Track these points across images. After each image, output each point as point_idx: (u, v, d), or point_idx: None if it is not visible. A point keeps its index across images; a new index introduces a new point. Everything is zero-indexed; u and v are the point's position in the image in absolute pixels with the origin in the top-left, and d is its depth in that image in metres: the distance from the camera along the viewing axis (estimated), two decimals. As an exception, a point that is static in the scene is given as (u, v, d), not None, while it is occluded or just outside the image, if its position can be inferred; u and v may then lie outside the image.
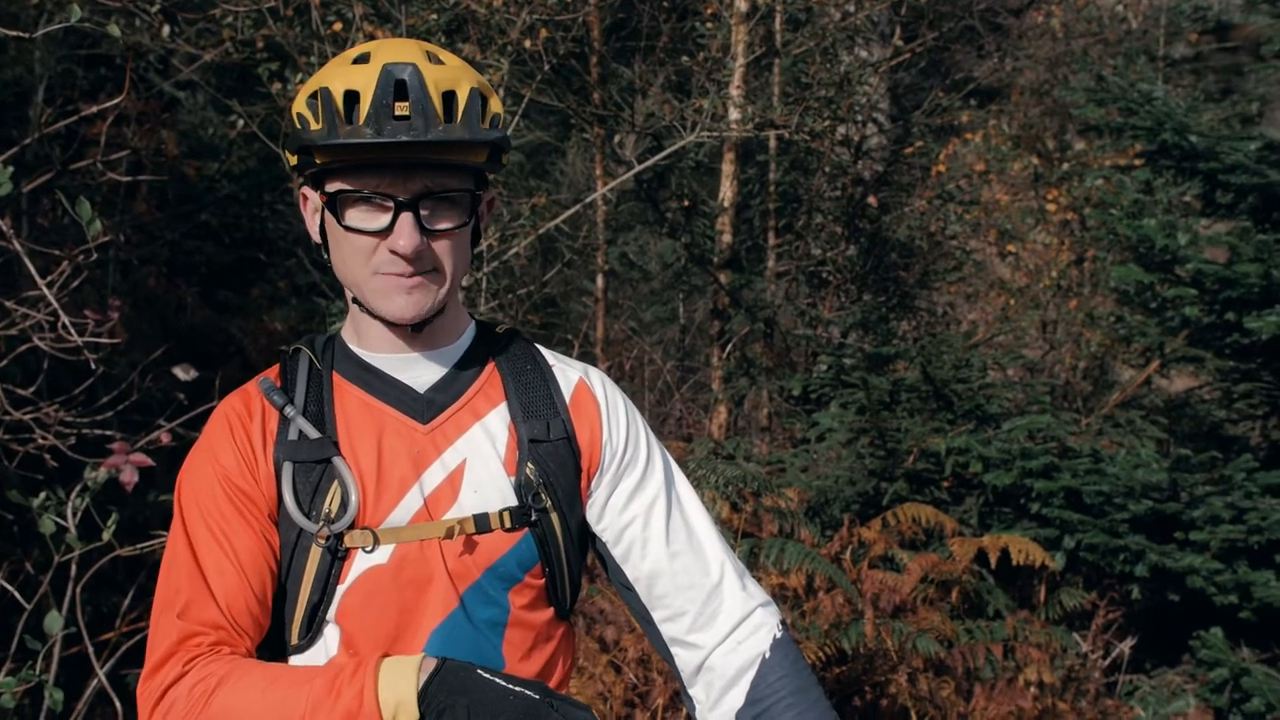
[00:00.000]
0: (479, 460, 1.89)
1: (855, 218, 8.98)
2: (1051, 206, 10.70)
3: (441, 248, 1.83)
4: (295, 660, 1.87)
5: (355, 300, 1.90)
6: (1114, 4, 12.05)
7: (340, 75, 1.78)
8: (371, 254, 1.81)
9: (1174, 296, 6.67)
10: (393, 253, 1.79)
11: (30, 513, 3.54)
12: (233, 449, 1.85)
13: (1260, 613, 6.01)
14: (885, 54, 9.33)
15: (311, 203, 1.90)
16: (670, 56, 8.85)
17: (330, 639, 1.85)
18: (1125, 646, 6.33)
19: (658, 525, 1.98)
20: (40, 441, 4.20)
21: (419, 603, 1.84)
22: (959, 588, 5.86)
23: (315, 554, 1.82)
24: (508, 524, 1.87)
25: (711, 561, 1.99)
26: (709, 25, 8.11)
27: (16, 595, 3.74)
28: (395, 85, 1.75)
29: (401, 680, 1.66)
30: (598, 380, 2.04)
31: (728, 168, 8.23)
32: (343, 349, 1.96)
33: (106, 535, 3.50)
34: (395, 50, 1.80)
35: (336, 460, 1.83)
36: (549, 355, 2.04)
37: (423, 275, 1.82)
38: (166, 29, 5.86)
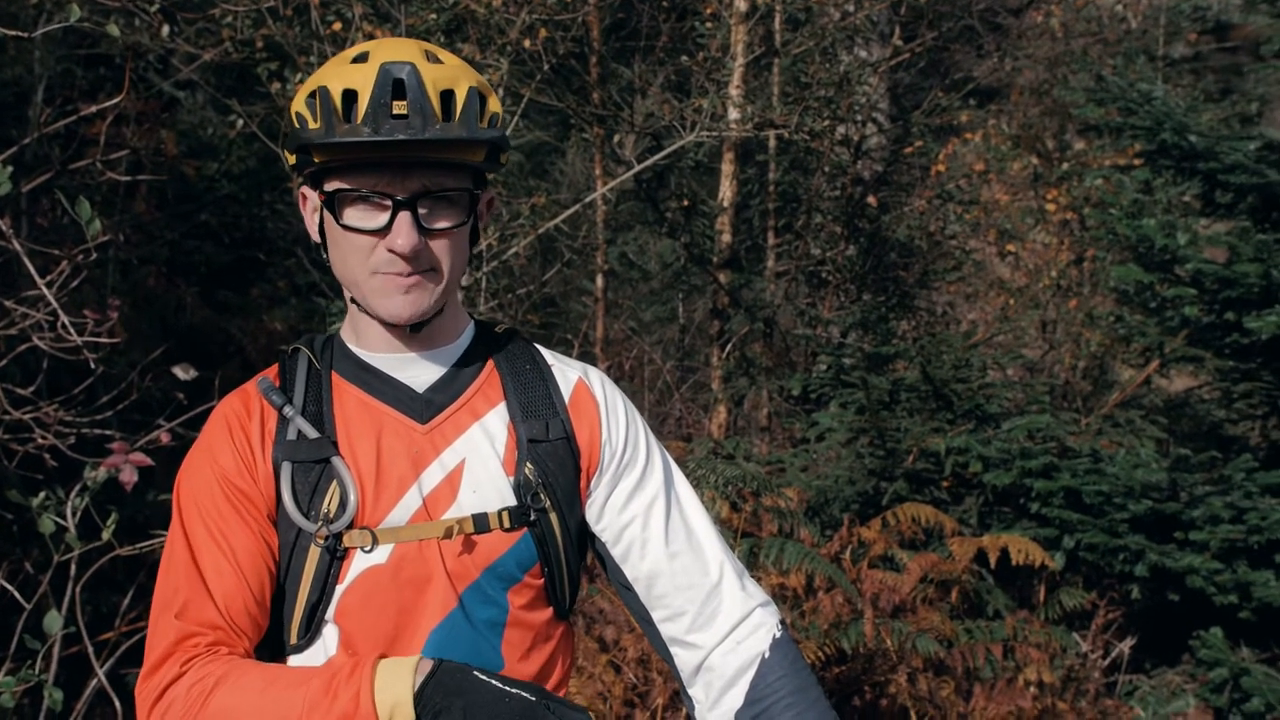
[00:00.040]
0: (478, 460, 1.89)
1: (855, 217, 8.98)
2: (1051, 206, 10.70)
3: (440, 247, 1.83)
4: (294, 660, 1.87)
5: (354, 300, 1.90)
6: (1113, 4, 12.05)
7: (339, 74, 1.78)
8: (370, 253, 1.81)
9: (1173, 296, 6.68)
10: (391, 252, 1.79)
11: (30, 512, 3.54)
12: (231, 449, 1.85)
13: (1260, 612, 6.01)
14: (885, 54, 9.33)
15: (310, 202, 1.90)
16: (670, 56, 8.85)
17: (329, 639, 1.85)
18: (1125, 646, 6.33)
19: (657, 525, 1.98)
20: (40, 441, 4.20)
21: (418, 603, 1.84)
22: (959, 587, 5.86)
23: (314, 554, 1.82)
24: (506, 524, 1.87)
25: (711, 561, 1.98)
26: (708, 25, 8.11)
27: (16, 595, 3.74)
28: (393, 84, 1.75)
29: (398, 682, 1.66)
30: (597, 380, 2.04)
31: (727, 167, 8.23)
32: (341, 349, 1.96)
33: (106, 535, 3.50)
34: (394, 49, 1.80)
35: (335, 460, 1.83)
36: (548, 355, 2.04)
37: (420, 275, 1.82)
38: (166, 29, 5.86)
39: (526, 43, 6.61)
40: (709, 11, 8.21)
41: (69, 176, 6.43)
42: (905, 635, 5.09)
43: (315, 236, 1.91)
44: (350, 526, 1.82)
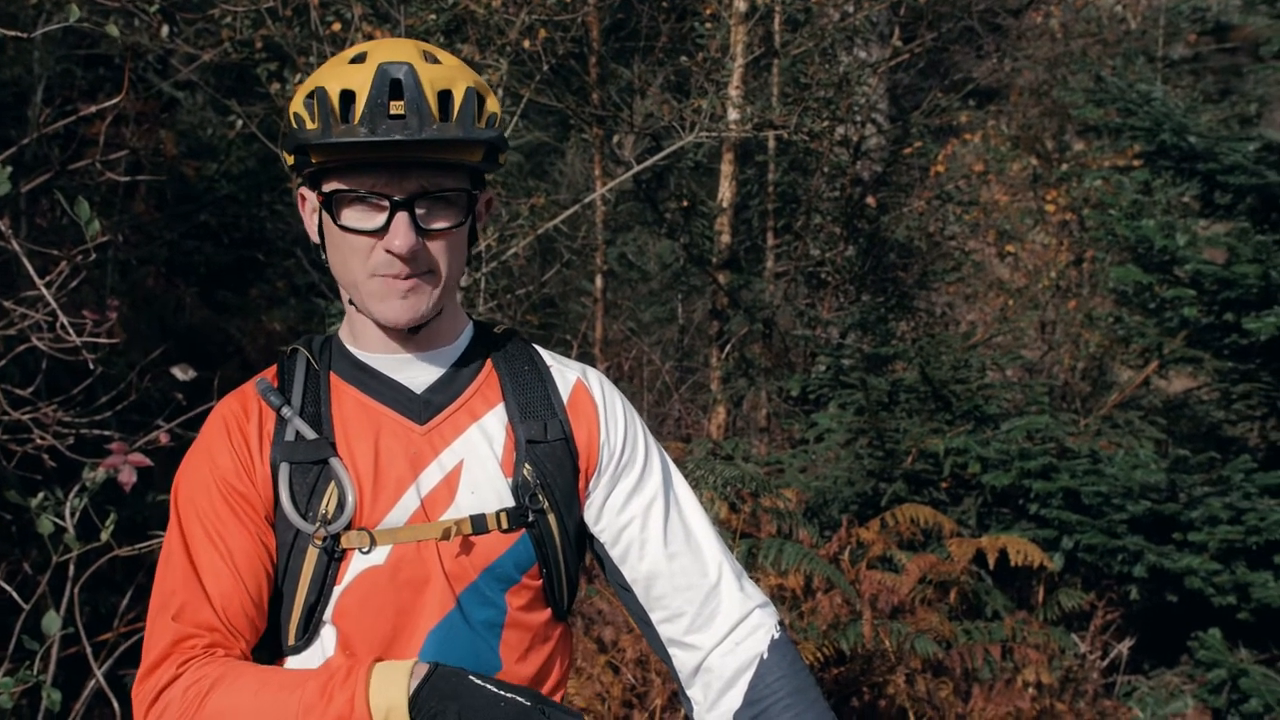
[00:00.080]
0: (476, 461, 1.89)
1: (854, 218, 8.98)
2: (1050, 207, 10.70)
3: (437, 248, 1.82)
4: (292, 661, 1.87)
5: (351, 301, 1.90)
6: (1113, 4, 12.05)
7: (337, 75, 1.78)
8: (368, 254, 1.81)
9: (1172, 297, 6.67)
10: (389, 252, 1.79)
11: (28, 513, 3.53)
12: (229, 450, 1.85)
13: (1258, 613, 6.01)
14: (884, 54, 9.33)
15: (309, 203, 1.90)
16: (669, 57, 8.85)
17: (327, 640, 1.85)
18: (1123, 647, 6.33)
19: (655, 526, 1.98)
20: (39, 441, 4.20)
21: (416, 604, 1.84)
22: (957, 588, 5.86)
23: (312, 555, 1.82)
24: (505, 525, 1.87)
25: (709, 562, 1.98)
26: (708, 25, 8.11)
27: (15, 595, 3.74)
28: (390, 84, 1.75)
29: (393, 685, 1.66)
30: (595, 381, 2.04)
31: (726, 168, 8.23)
32: (339, 349, 1.96)
33: (105, 535, 3.50)
34: (391, 50, 1.80)
35: (333, 461, 1.83)
36: (547, 356, 2.04)
37: (418, 277, 1.82)
38: (165, 29, 5.86)
39: (526, 43, 6.61)
40: (708, 12, 8.21)
41: (68, 177, 6.43)
42: (904, 636, 5.09)
43: (314, 237, 1.91)
44: (348, 527, 1.82)
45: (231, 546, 1.81)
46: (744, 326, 8.59)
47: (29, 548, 5.31)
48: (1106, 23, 11.97)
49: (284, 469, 1.83)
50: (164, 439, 4.02)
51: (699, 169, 9.40)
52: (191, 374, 4.17)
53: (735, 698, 1.93)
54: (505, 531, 1.87)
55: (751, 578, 2.05)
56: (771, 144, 8.57)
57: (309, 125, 1.78)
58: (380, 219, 1.78)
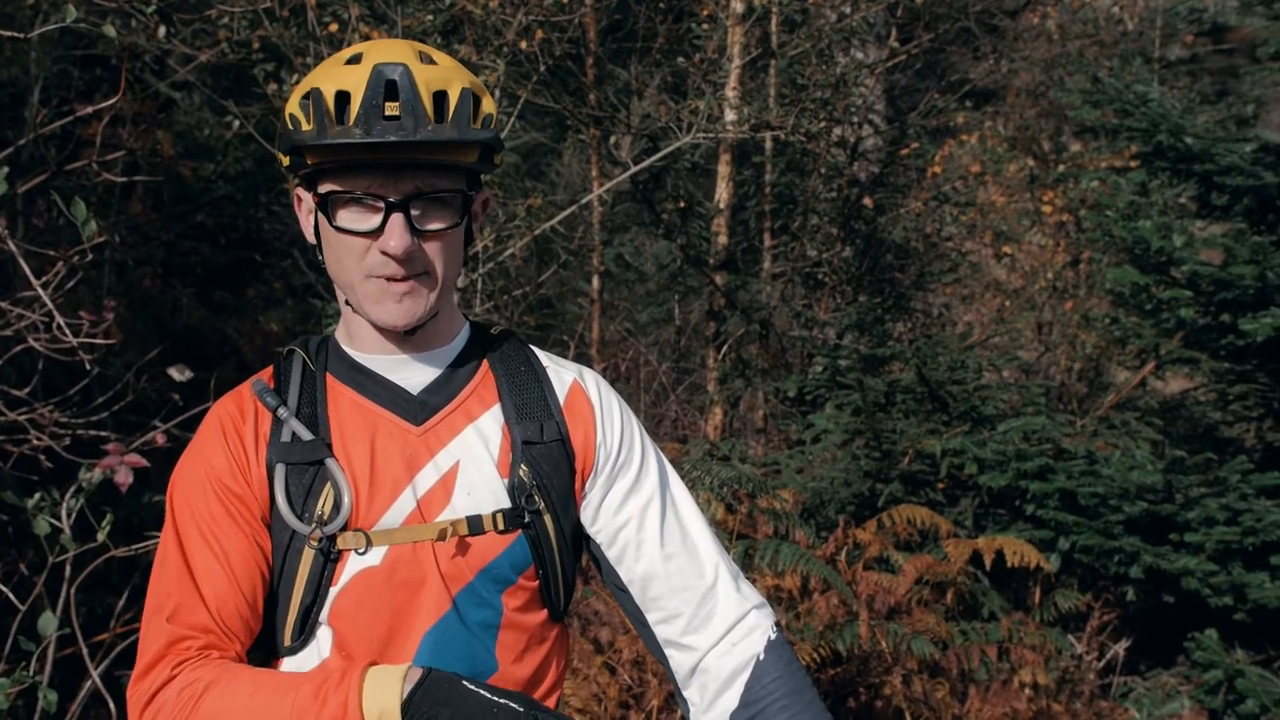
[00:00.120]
0: (472, 462, 1.89)
1: (851, 219, 8.99)
2: (1047, 208, 10.70)
3: (433, 249, 1.82)
4: (288, 662, 1.87)
5: (348, 302, 1.90)
6: (1110, 5, 12.06)
7: (332, 76, 1.78)
8: (364, 255, 1.81)
9: (1169, 298, 6.68)
10: (384, 254, 1.79)
11: (25, 514, 3.53)
12: (225, 451, 1.85)
13: (1255, 614, 6.01)
14: (881, 55, 9.34)
15: (305, 204, 1.89)
16: (666, 58, 8.85)
17: (323, 641, 1.85)
18: (1120, 648, 6.33)
19: (652, 527, 1.98)
20: (35, 442, 4.19)
21: (412, 605, 1.84)
22: (954, 589, 5.86)
23: (308, 556, 1.82)
24: (501, 526, 1.87)
25: (706, 563, 1.98)
26: (705, 26, 8.12)
27: (11, 596, 3.74)
28: (386, 85, 1.75)
29: (386, 690, 1.66)
30: (592, 382, 2.04)
31: (723, 169, 8.23)
32: (336, 350, 1.96)
33: (101, 536, 3.50)
34: (387, 51, 1.80)
35: (329, 462, 1.83)
36: (543, 357, 2.04)
37: (414, 279, 1.82)
38: (162, 30, 5.85)
39: (523, 44, 6.60)
40: (705, 13, 8.21)
41: (65, 177, 6.43)
42: (900, 637, 5.09)
43: (311, 238, 1.91)
44: (344, 528, 1.82)
45: (227, 548, 1.81)
46: (741, 327, 8.59)
47: (25, 548, 5.31)
48: (1103, 24, 11.97)
49: (280, 470, 1.83)
50: (160, 440, 4.02)
51: (696, 170, 9.40)
52: (188, 375, 4.16)
53: (732, 698, 1.93)
54: (501, 532, 1.87)
55: (748, 579, 2.05)
56: (769, 145, 8.57)
57: (304, 126, 1.78)
58: (375, 220, 1.78)
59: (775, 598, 5.26)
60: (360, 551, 1.82)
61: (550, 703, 1.98)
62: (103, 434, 4.09)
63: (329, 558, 1.82)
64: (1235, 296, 6.37)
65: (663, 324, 10.66)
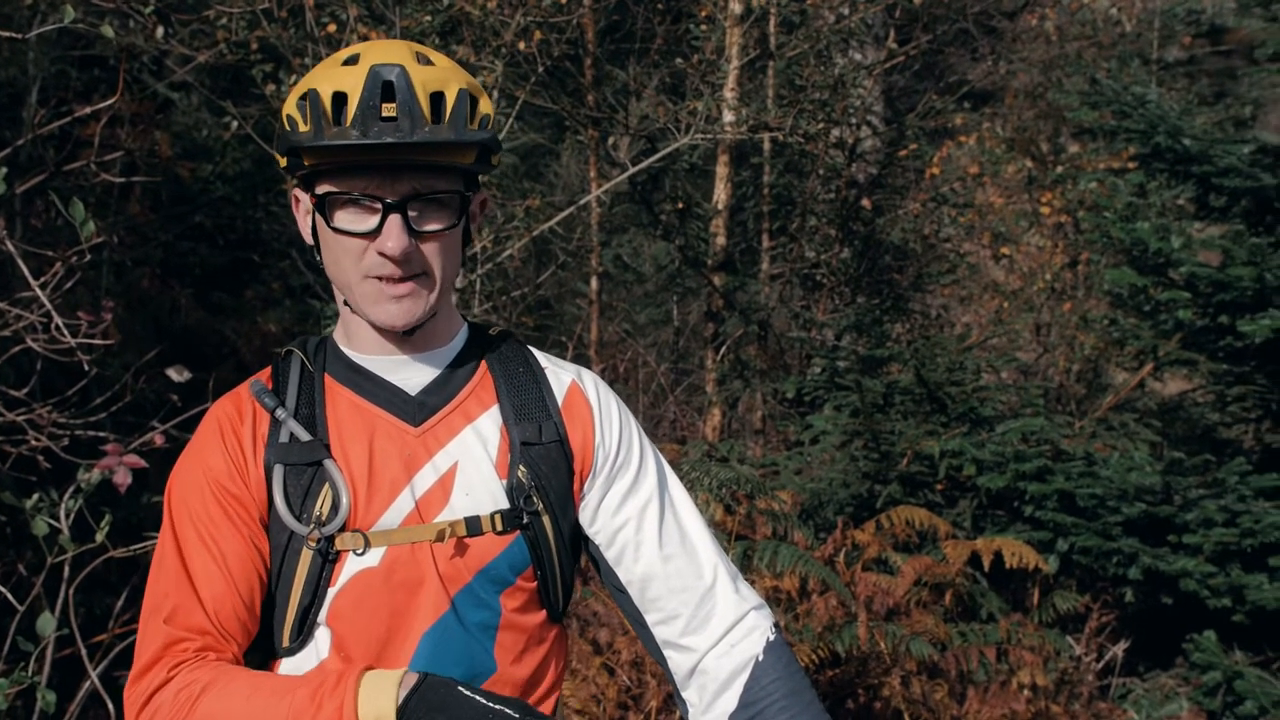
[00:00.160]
0: (470, 463, 1.89)
1: (849, 220, 8.98)
2: (1045, 209, 10.70)
3: (431, 250, 1.82)
4: (286, 663, 1.87)
5: (346, 302, 1.90)
6: (1108, 7, 12.07)
7: (329, 77, 1.78)
8: (361, 256, 1.80)
9: (1167, 299, 6.68)
10: (381, 255, 1.79)
11: (23, 514, 3.53)
12: (223, 452, 1.85)
13: (1253, 616, 6.01)
14: (879, 57, 9.34)
15: (303, 205, 1.89)
16: (665, 59, 8.85)
17: (321, 642, 1.85)
18: (1118, 649, 6.33)
19: (651, 528, 1.97)
20: (33, 443, 4.19)
21: (410, 605, 1.84)
22: (952, 590, 5.86)
23: (306, 557, 1.82)
24: (499, 527, 1.87)
25: (705, 564, 1.98)
26: (703, 28, 8.11)
27: (9, 597, 3.73)
28: (383, 86, 1.75)
29: (381, 695, 1.66)
30: (590, 383, 2.04)
31: (722, 170, 8.23)
32: (334, 351, 1.96)
33: (100, 537, 3.49)
34: (384, 51, 1.79)
35: (327, 463, 1.83)
36: (542, 357, 2.04)
37: (413, 280, 1.82)
38: (160, 30, 5.84)
39: (521, 45, 6.60)
40: (704, 14, 8.21)
41: (63, 178, 6.42)
42: (899, 638, 5.09)
43: (309, 239, 1.91)
44: (342, 529, 1.82)
45: (224, 549, 1.81)
46: (739, 328, 8.59)
47: (24, 549, 5.30)
48: (1101, 25, 11.98)
49: (278, 471, 1.83)
50: (159, 440, 4.02)
51: (694, 171, 9.40)
52: (186, 375, 4.16)
53: (731, 700, 1.92)
54: (500, 533, 1.87)
55: (746, 580, 2.05)
56: (767, 146, 8.57)
57: (301, 127, 1.78)
58: (373, 221, 1.78)
59: (774, 599, 5.26)
60: (358, 552, 1.82)
61: (549, 704, 1.98)
62: (101, 434, 4.09)
63: (327, 558, 1.82)
64: (1233, 298, 6.37)
65: (661, 325, 10.65)
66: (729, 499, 5.52)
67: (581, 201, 7.92)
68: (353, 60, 1.79)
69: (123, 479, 3.61)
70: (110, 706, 3.83)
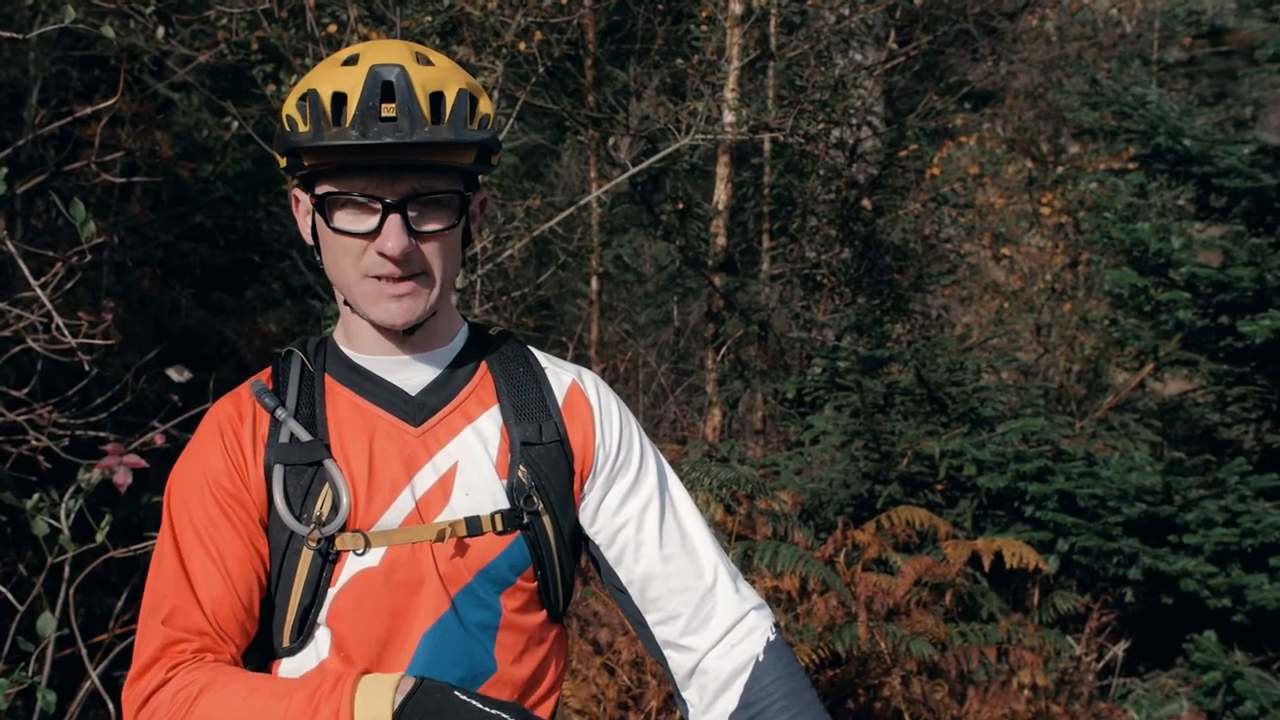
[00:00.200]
0: (470, 463, 1.89)
1: (850, 221, 8.98)
2: (1046, 210, 10.70)
3: (430, 250, 1.82)
4: (286, 663, 1.87)
5: (346, 302, 1.90)
6: (1108, 8, 12.06)
7: (329, 77, 1.78)
8: (360, 256, 1.80)
9: (1168, 300, 6.68)
10: (381, 255, 1.79)
11: (23, 514, 3.53)
12: (222, 453, 1.85)
13: (1253, 616, 6.01)
14: (880, 57, 9.34)
15: (303, 205, 1.89)
16: (665, 59, 8.85)
17: (321, 642, 1.85)
18: (1119, 650, 6.33)
19: (651, 528, 1.97)
20: (34, 443, 4.19)
21: (410, 605, 1.84)
22: (953, 591, 5.86)
23: (306, 557, 1.82)
24: (499, 527, 1.87)
25: (705, 564, 1.98)
26: (704, 28, 8.11)
27: (10, 597, 3.73)
28: (382, 87, 1.74)
29: (378, 699, 1.66)
30: (590, 383, 2.04)
31: (722, 170, 8.23)
32: (334, 351, 1.96)
33: (100, 537, 3.49)
34: (384, 52, 1.79)
35: (328, 463, 1.83)
36: (542, 357, 2.04)
37: (412, 280, 1.82)
38: (161, 30, 5.84)
39: (522, 45, 6.60)
40: (704, 15, 8.21)
41: (64, 178, 6.42)
42: (899, 638, 5.09)
43: (309, 239, 1.91)
44: (342, 529, 1.82)
45: (223, 550, 1.81)
46: (739, 329, 8.59)
47: (24, 549, 5.30)
48: (1102, 26, 11.98)
49: (278, 471, 1.83)
50: (159, 440, 4.02)
51: (694, 171, 9.39)
52: (187, 375, 4.16)
53: (731, 700, 1.93)
54: (500, 533, 1.87)
55: (747, 580, 2.05)
56: (767, 147, 8.57)
57: (301, 128, 1.78)
58: (372, 221, 1.78)
59: (774, 599, 5.26)
60: (359, 552, 1.82)
61: (549, 704, 1.98)
62: (101, 435, 4.09)
63: (327, 559, 1.82)
64: (1234, 298, 6.37)
65: (661, 325, 10.65)
66: (729, 499, 5.52)
67: (582, 202, 7.91)
68: (352, 60, 1.79)
69: (123, 479, 3.61)
70: (110, 706, 3.83)
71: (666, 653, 1.99)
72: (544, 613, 1.95)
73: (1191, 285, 6.57)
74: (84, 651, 3.73)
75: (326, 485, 1.82)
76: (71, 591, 3.67)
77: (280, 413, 1.87)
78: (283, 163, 1.85)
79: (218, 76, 9.76)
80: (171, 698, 1.73)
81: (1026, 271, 10.53)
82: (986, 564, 5.83)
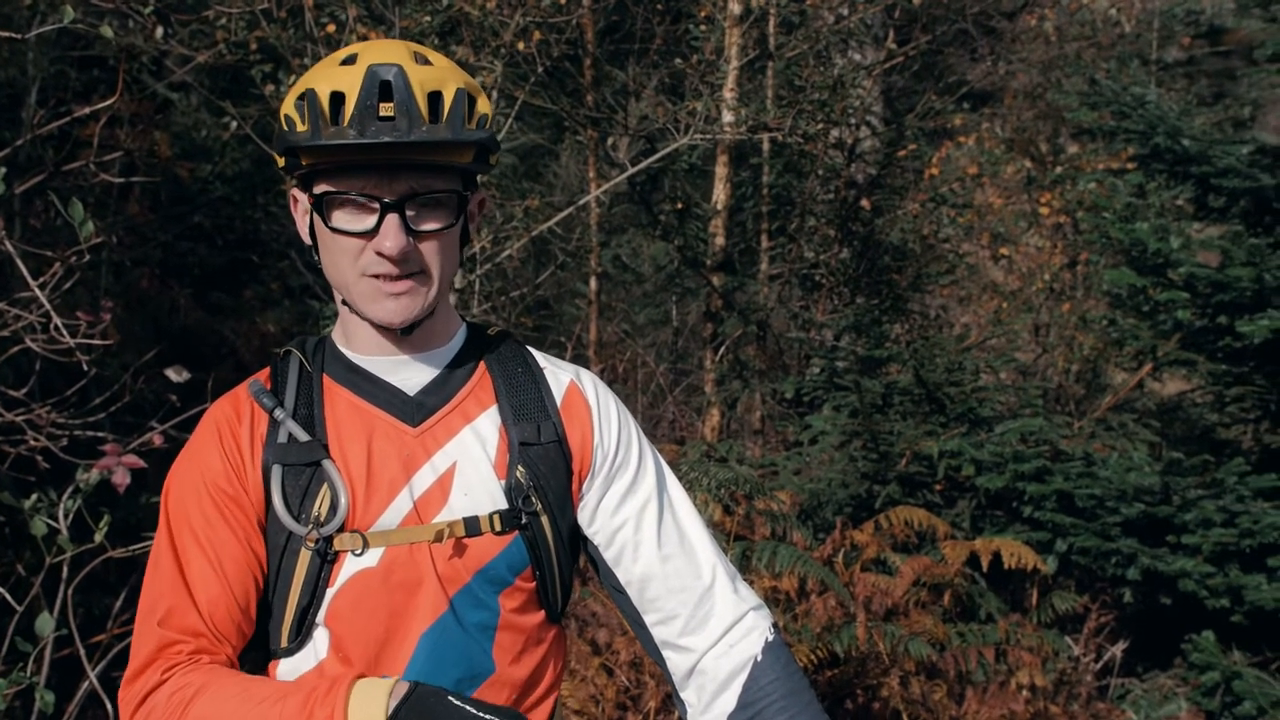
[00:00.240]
0: (469, 463, 1.89)
1: (848, 221, 8.98)
2: (1044, 210, 10.70)
3: (429, 249, 1.82)
4: (284, 663, 1.87)
5: (344, 302, 1.90)
6: (1107, 8, 12.06)
7: (327, 76, 1.78)
8: (359, 255, 1.80)
9: (1166, 300, 6.68)
10: (379, 254, 1.79)
11: (22, 514, 3.53)
12: (220, 453, 1.85)
13: (1252, 616, 6.01)
14: (878, 57, 9.34)
15: (301, 204, 1.89)
16: (664, 59, 8.85)
17: (319, 643, 1.85)
18: (1117, 650, 6.33)
19: (649, 528, 1.97)
20: (32, 443, 4.19)
21: (408, 606, 1.84)
22: (951, 591, 5.86)
23: (304, 557, 1.82)
24: (497, 527, 1.87)
25: (703, 564, 1.98)
26: (703, 28, 8.11)
27: (8, 597, 3.73)
28: (380, 86, 1.74)
29: (372, 704, 1.65)
30: (589, 383, 2.04)
31: (721, 170, 8.22)
32: (333, 351, 1.96)
33: (98, 537, 3.49)
34: (382, 51, 1.79)
35: (326, 463, 1.83)
36: (540, 358, 2.04)
37: (411, 279, 1.82)
38: (160, 30, 5.84)
39: (521, 45, 6.60)
40: (703, 14, 8.21)
41: (62, 178, 6.42)
42: (897, 639, 5.09)
43: (307, 239, 1.91)
44: (341, 529, 1.82)
45: (220, 552, 1.81)
46: (738, 329, 8.58)
47: (22, 549, 5.30)
48: (1101, 26, 11.98)
49: (276, 471, 1.83)
50: (158, 440, 4.02)
51: (693, 171, 9.39)
52: (185, 375, 4.16)
53: (729, 700, 1.93)
54: (498, 534, 1.87)
55: (745, 580, 2.05)
56: (766, 146, 8.57)
57: (299, 127, 1.78)
58: (370, 221, 1.78)
59: (772, 599, 5.26)
60: (357, 553, 1.82)
61: (547, 704, 1.98)
62: (100, 435, 4.09)
63: (325, 559, 1.82)
64: (1232, 298, 6.37)
65: (660, 325, 10.65)
66: (728, 499, 5.51)
67: (580, 202, 7.91)
68: (350, 60, 1.79)
69: (121, 479, 3.61)
70: (109, 706, 3.83)
71: (665, 653, 1.99)
72: (542, 613, 1.95)
73: (1190, 285, 6.57)
74: (82, 652, 3.73)
75: (325, 485, 1.82)
76: (70, 592, 3.67)
77: (278, 413, 1.87)
78: (281, 162, 1.85)
79: (216, 76, 9.75)
80: (167, 699, 1.72)
81: (1025, 271, 10.53)
82: (985, 564, 5.83)
